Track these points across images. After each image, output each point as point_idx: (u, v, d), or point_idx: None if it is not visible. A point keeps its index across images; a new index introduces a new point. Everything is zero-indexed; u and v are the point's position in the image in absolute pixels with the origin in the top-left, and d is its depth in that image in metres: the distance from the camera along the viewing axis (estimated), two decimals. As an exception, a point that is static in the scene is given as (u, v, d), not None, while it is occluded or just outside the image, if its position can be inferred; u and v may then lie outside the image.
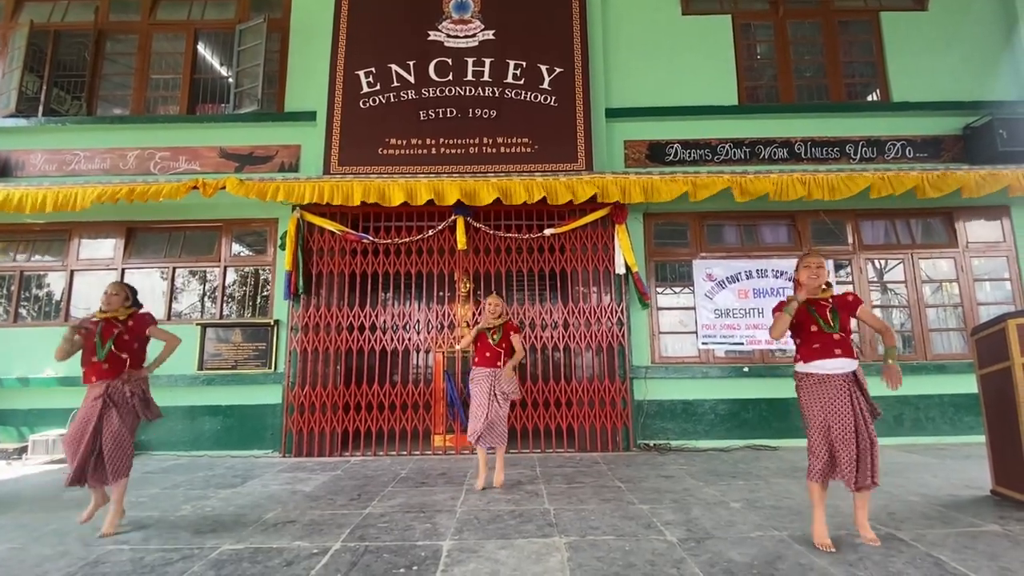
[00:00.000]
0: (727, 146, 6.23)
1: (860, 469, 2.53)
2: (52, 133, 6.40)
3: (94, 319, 3.19)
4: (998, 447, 3.53)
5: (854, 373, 2.68)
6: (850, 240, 6.17)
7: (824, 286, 2.80)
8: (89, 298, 6.20)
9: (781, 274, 5.96)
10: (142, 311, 3.33)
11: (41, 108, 6.52)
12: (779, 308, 2.82)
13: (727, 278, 5.99)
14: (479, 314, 5.78)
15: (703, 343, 5.88)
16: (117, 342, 3.12)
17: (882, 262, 6.32)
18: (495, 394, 4.02)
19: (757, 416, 5.67)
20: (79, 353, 3.13)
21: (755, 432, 5.63)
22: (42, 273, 6.37)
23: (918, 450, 5.23)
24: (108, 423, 3.05)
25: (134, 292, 3.36)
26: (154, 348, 3.34)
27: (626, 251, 5.71)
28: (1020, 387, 3.28)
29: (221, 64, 7.36)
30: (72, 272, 6.20)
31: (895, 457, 4.83)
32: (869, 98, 6.73)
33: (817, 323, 2.73)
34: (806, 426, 2.74)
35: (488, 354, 4.08)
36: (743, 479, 4.15)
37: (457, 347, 4.31)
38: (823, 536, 2.60)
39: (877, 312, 6.07)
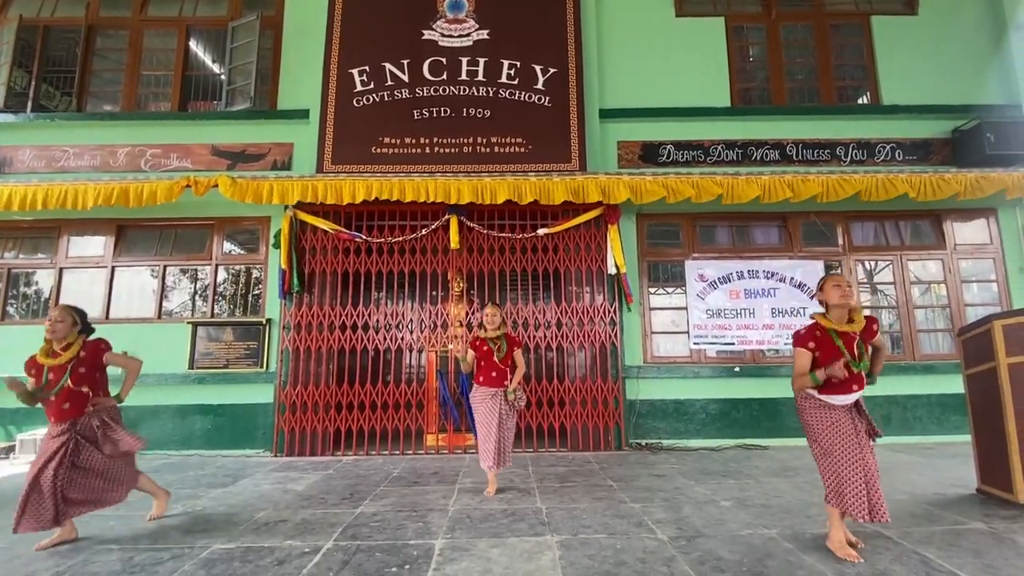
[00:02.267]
0: (719, 147, 6.27)
1: (874, 497, 2.41)
2: (41, 129, 6.33)
3: (35, 361, 2.93)
4: (984, 446, 3.58)
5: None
6: (840, 241, 6.23)
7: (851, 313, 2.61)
8: (78, 296, 6.14)
9: (772, 275, 6.01)
10: (93, 338, 3.08)
11: (30, 104, 6.44)
12: (801, 342, 2.60)
13: (719, 278, 6.02)
14: (475, 314, 5.79)
15: (695, 343, 5.92)
16: (74, 377, 2.91)
17: (872, 263, 6.38)
18: (502, 413, 3.83)
19: (748, 416, 5.71)
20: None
21: (746, 431, 5.67)
22: (30, 271, 6.30)
23: (905, 449, 5.29)
24: (87, 459, 2.89)
25: (83, 316, 3.10)
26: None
27: (616, 252, 5.73)
28: (1005, 387, 3.33)
29: (213, 61, 7.30)
30: (61, 270, 6.13)
31: (883, 456, 4.87)
32: (860, 101, 6.79)
33: (846, 359, 2.52)
34: (821, 451, 2.59)
35: (494, 373, 3.87)
36: (733, 478, 4.19)
37: (463, 369, 4.08)
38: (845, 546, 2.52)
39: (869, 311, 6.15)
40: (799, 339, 2.64)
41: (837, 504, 2.50)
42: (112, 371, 3.19)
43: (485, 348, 3.92)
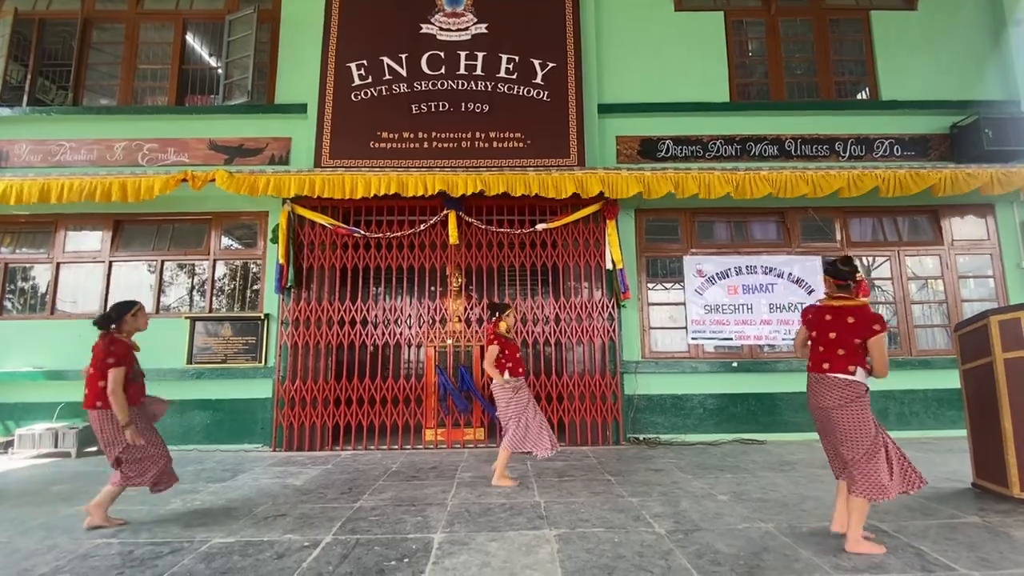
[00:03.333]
0: (718, 143, 6.27)
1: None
2: (37, 123, 6.29)
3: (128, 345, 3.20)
4: (979, 441, 3.60)
5: None
6: (838, 237, 6.24)
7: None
8: (76, 291, 6.14)
9: (770, 270, 6.02)
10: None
11: (26, 98, 6.40)
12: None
13: (717, 274, 6.03)
14: (473, 310, 5.79)
15: (693, 338, 5.93)
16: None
17: (870, 259, 6.39)
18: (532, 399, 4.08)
19: (745, 410, 5.73)
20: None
21: (743, 426, 5.70)
22: (27, 265, 6.28)
23: (902, 444, 5.25)
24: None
25: None
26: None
27: (613, 247, 5.73)
28: (1001, 382, 3.35)
29: (210, 55, 7.26)
30: (58, 264, 6.12)
31: (880, 451, 4.90)
32: (859, 96, 6.78)
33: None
34: (870, 443, 2.54)
35: (521, 365, 4.11)
36: (731, 472, 4.21)
37: (490, 369, 4.14)
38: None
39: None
40: (884, 323, 2.59)
41: (895, 489, 2.50)
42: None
43: (512, 343, 4.09)
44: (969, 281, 6.28)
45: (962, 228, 6.31)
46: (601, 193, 5.56)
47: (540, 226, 5.79)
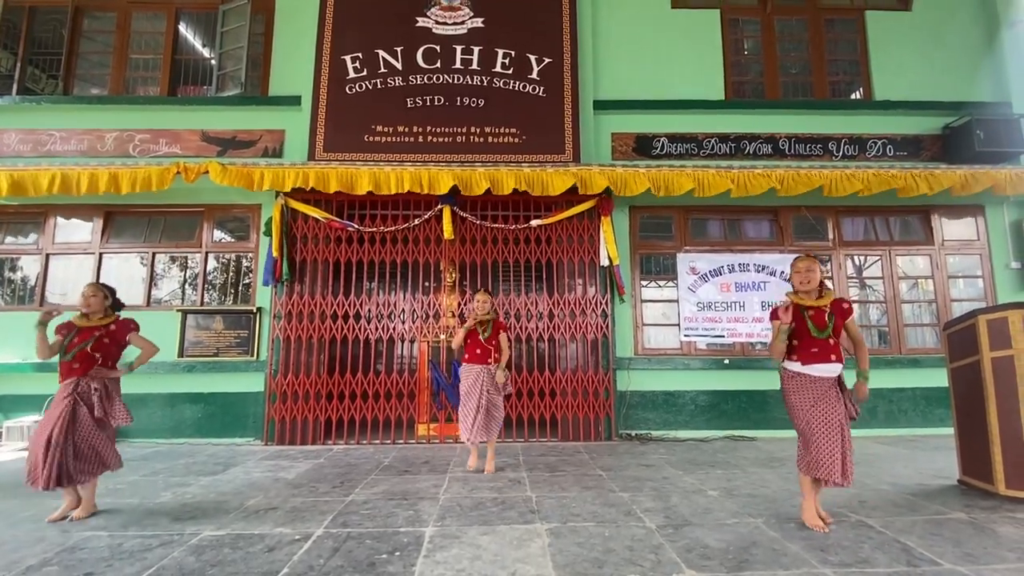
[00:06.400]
0: (713, 140, 6.28)
1: (847, 461, 2.67)
2: (27, 112, 6.20)
3: (70, 321, 3.16)
4: (966, 438, 3.64)
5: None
6: (830, 236, 6.28)
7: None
8: (65, 283, 6.07)
9: (762, 268, 6.05)
10: (124, 317, 3.30)
11: (15, 86, 6.32)
12: (774, 316, 2.88)
13: (710, 271, 6.06)
14: (466, 308, 5.80)
15: (685, 335, 5.96)
16: (95, 344, 3.11)
17: (861, 258, 6.44)
18: (486, 390, 4.08)
19: (736, 407, 5.77)
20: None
21: (734, 423, 5.74)
22: (16, 256, 6.20)
23: (890, 441, 5.37)
24: (79, 422, 3.01)
25: (112, 292, 3.31)
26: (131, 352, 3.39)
27: (609, 244, 5.74)
28: (988, 381, 3.39)
29: (203, 45, 7.18)
30: (48, 256, 6.05)
31: (868, 448, 4.96)
32: (852, 96, 6.82)
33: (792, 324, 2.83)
34: (802, 423, 2.83)
35: (479, 351, 4.14)
36: (721, 468, 4.24)
37: (453, 345, 4.32)
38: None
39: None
40: (772, 315, 2.91)
41: (812, 471, 2.71)
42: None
43: (472, 329, 4.20)
44: (959, 281, 6.34)
45: (952, 229, 6.37)
46: (598, 190, 5.56)
47: (535, 222, 5.79)
